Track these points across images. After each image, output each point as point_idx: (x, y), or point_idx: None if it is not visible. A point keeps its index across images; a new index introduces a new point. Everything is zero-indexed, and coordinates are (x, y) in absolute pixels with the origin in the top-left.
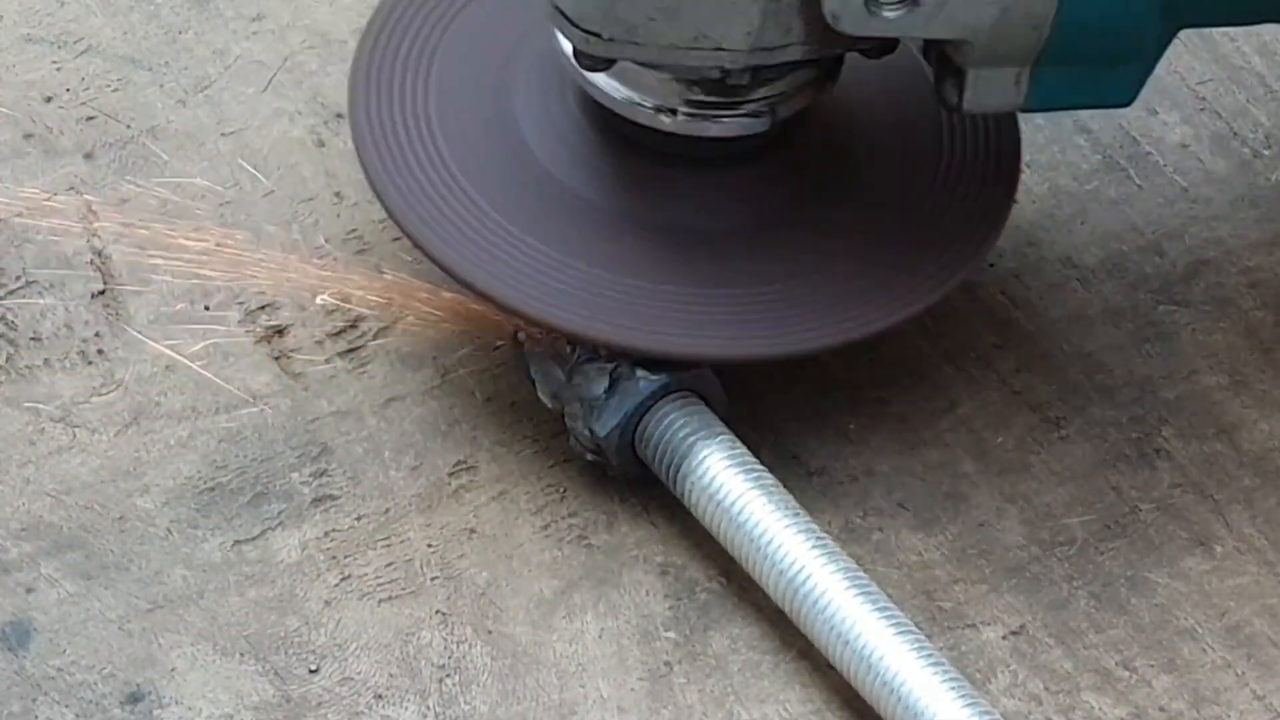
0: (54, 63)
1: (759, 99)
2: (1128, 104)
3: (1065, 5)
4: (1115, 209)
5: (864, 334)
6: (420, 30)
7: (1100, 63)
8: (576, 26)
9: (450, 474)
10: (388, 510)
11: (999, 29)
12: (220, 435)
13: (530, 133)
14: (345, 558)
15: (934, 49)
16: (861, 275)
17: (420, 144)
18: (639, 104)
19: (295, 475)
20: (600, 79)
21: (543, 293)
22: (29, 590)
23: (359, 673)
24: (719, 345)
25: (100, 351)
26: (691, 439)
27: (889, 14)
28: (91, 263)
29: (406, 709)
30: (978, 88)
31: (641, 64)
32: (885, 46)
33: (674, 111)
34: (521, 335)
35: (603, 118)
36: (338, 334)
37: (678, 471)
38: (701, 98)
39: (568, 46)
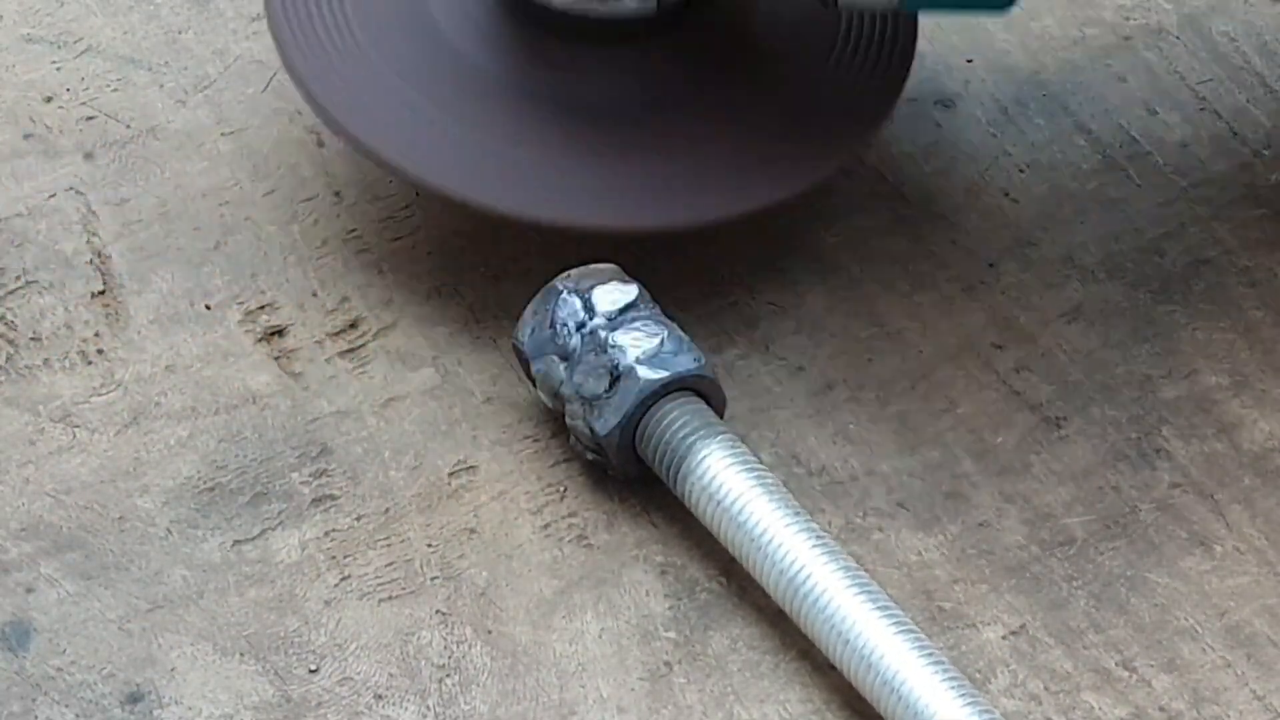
0: (54, 63)
1: None
2: (1004, 10)
3: None
4: (1115, 209)
5: (751, 207)
6: None
7: None
8: None
9: (450, 474)
10: (388, 510)
11: None
12: (220, 435)
13: (437, 5)
14: (345, 558)
15: None
16: (749, 151)
17: (329, 12)
18: None
19: (295, 475)
20: None
21: (441, 161)
22: (29, 590)
23: (359, 673)
24: (604, 215)
25: (100, 351)
26: (692, 438)
27: None
28: (91, 263)
29: (406, 709)
30: None
31: None
32: None
33: None
34: (520, 334)
35: None
36: (338, 334)
37: (678, 471)
38: None
39: None
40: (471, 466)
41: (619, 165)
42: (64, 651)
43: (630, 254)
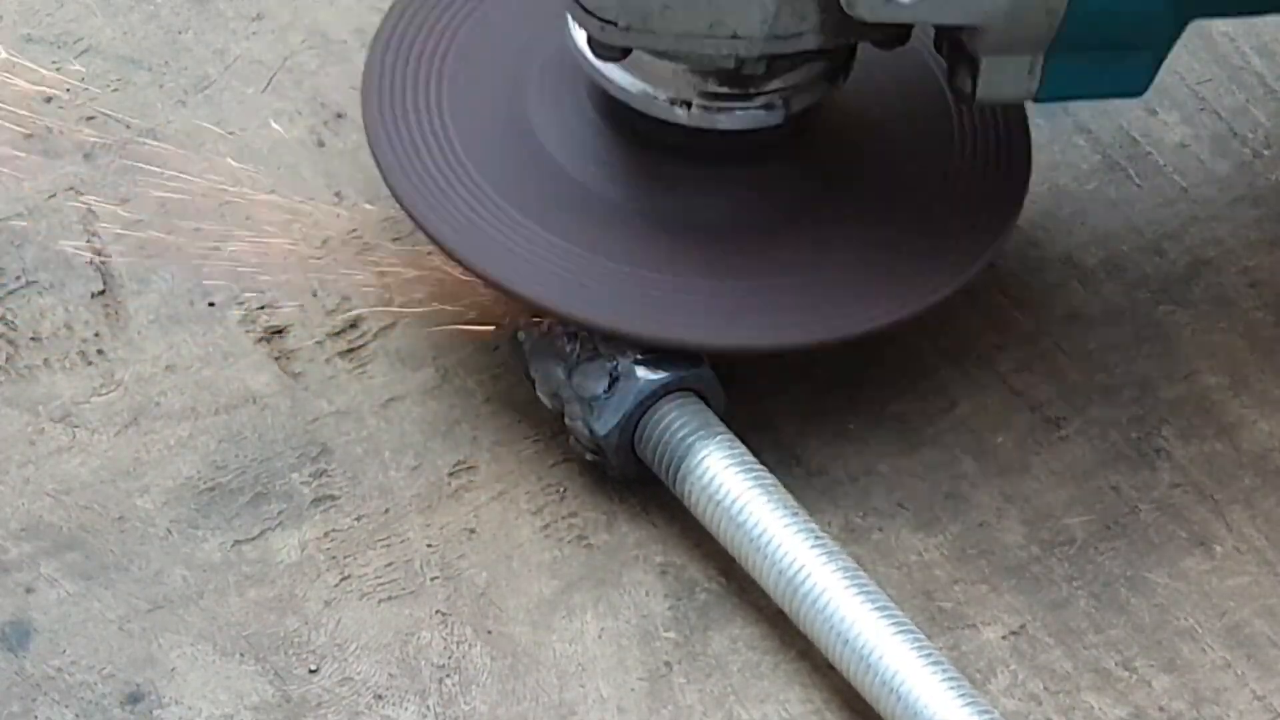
0: (54, 63)
1: (773, 90)
2: (1140, 94)
3: None
4: (1115, 209)
5: (869, 328)
6: (434, 26)
7: (1113, 51)
8: (592, 15)
9: (450, 474)
10: (388, 510)
11: (1014, 14)
12: (220, 435)
13: (543, 129)
14: (345, 558)
15: (946, 38)
16: (871, 271)
17: (434, 141)
18: (653, 96)
19: (295, 475)
20: (614, 72)
21: (559, 285)
22: (29, 590)
23: (359, 673)
24: (725, 335)
25: (100, 351)
26: (691, 439)
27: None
28: (91, 263)
29: (406, 709)
30: (991, 76)
31: (656, 53)
32: (898, 35)
33: (688, 104)
34: (521, 333)
35: (616, 113)
36: (338, 334)
37: (677, 471)
38: (716, 89)
39: (581, 37)
40: (471, 467)
41: (742, 284)
42: (64, 651)
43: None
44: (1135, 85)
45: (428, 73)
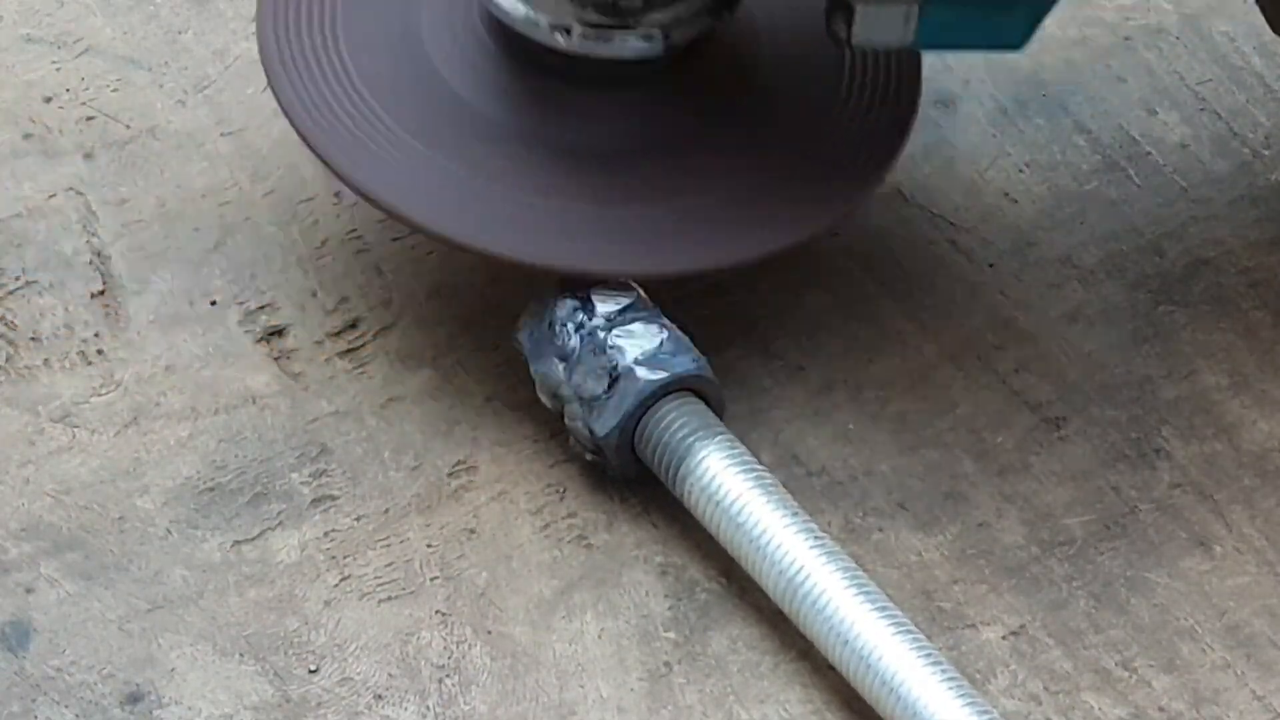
0: (54, 63)
1: (653, 22)
2: (1017, 47)
3: None
4: (1115, 209)
5: (754, 255)
6: None
7: (990, 4)
8: None
9: (450, 474)
10: (387, 510)
11: None
12: (220, 435)
13: (434, 49)
14: (345, 558)
15: None
16: (753, 198)
17: (328, 60)
18: (534, 21)
19: (295, 475)
20: None
21: (443, 206)
22: (29, 590)
23: (359, 673)
24: (606, 261)
25: (100, 351)
26: (691, 439)
27: None
28: (91, 263)
29: (406, 709)
30: (866, 22)
31: None
32: None
33: (569, 30)
34: (520, 334)
35: (505, 36)
36: (338, 334)
37: (677, 472)
38: (596, 19)
39: None
40: (471, 467)
41: (622, 210)
42: (64, 652)
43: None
44: (1013, 38)
45: None
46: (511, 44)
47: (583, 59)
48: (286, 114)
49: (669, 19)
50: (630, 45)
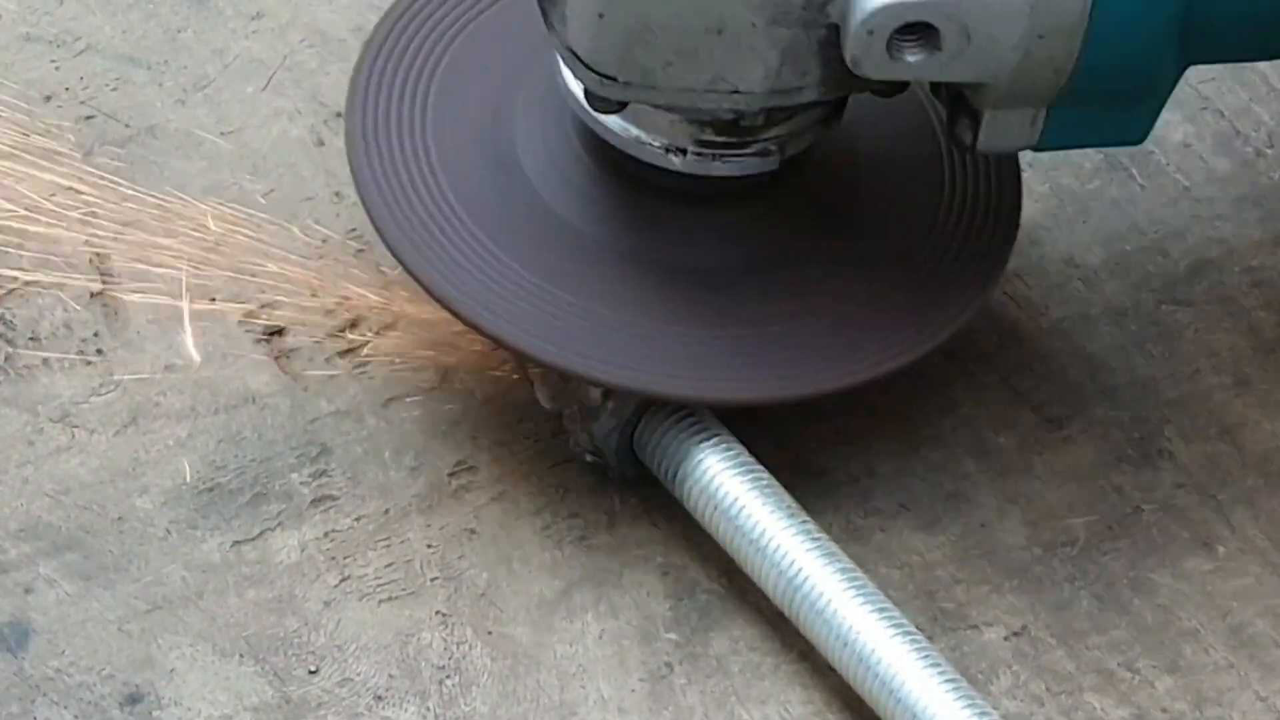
0: (53, 62)
1: (770, 138)
2: (1139, 142)
3: (1088, 48)
4: (1117, 208)
5: (867, 378)
6: (421, 48)
7: (1116, 103)
8: (591, 70)
9: (450, 474)
10: (387, 511)
11: (1021, 72)
12: (220, 435)
13: (531, 167)
14: (345, 558)
15: (947, 89)
16: (864, 317)
17: (420, 178)
18: (647, 143)
19: (295, 475)
20: (608, 118)
21: (548, 332)
22: (28, 591)
23: (359, 674)
24: (720, 387)
25: (99, 351)
26: (691, 440)
27: (910, 58)
28: (91, 263)
29: (406, 710)
30: (993, 128)
31: (655, 106)
32: (899, 85)
33: (684, 151)
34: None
35: (606, 154)
36: (338, 334)
37: (677, 473)
38: (713, 138)
39: (576, 86)
40: (471, 467)
41: (721, 332)
42: (63, 652)
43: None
44: (1136, 134)
45: (414, 94)
46: (611, 162)
47: (690, 178)
48: (381, 236)
49: (785, 133)
50: (747, 163)
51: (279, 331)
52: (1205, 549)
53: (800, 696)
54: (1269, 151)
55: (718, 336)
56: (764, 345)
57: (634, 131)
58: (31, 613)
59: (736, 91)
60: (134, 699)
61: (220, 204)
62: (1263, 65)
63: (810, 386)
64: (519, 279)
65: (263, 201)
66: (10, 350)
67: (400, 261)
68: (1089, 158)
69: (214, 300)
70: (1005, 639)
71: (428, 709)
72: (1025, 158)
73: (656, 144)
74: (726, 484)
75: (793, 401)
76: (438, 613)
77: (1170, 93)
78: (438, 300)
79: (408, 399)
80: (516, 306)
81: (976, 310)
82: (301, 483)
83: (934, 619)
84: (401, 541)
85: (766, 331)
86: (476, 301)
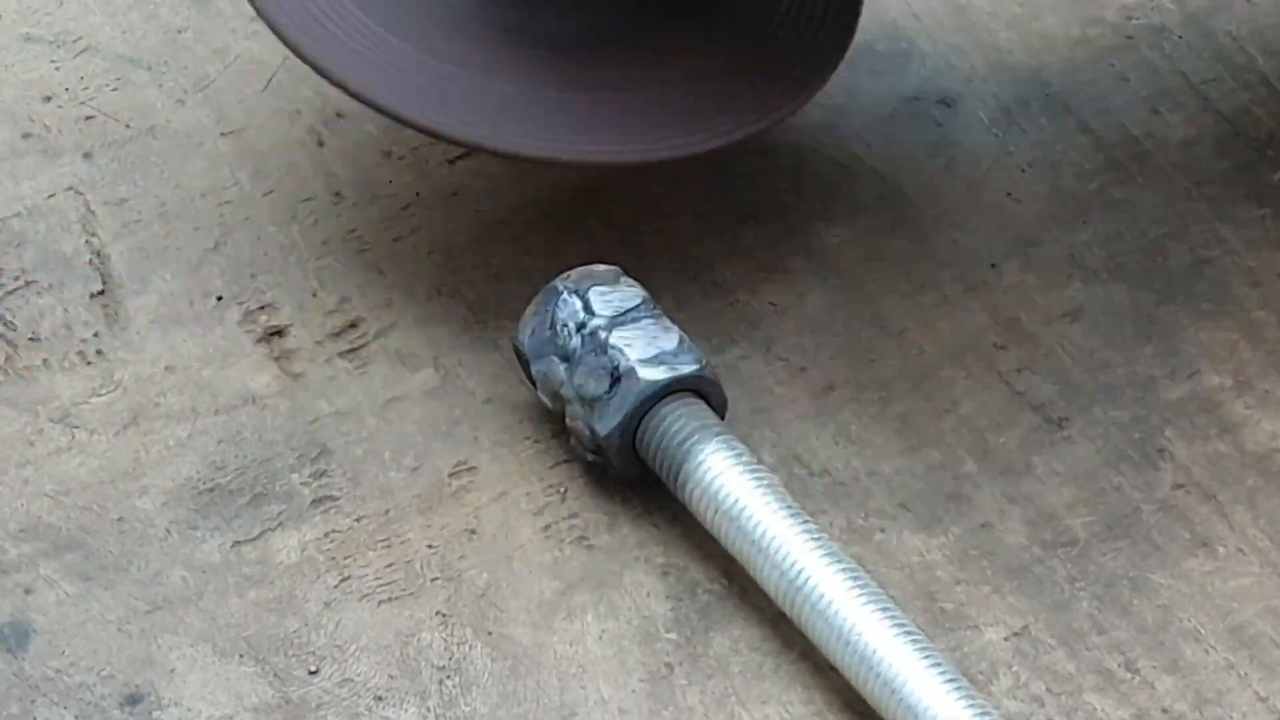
0: (53, 62)
1: None
2: None
3: None
4: (1118, 208)
5: (689, 150)
6: None
7: None
8: None
9: (450, 474)
10: (388, 511)
11: None
12: (220, 436)
13: None
14: (345, 559)
15: None
16: (712, 87)
17: None
18: None
19: (295, 476)
20: None
21: (396, 86)
22: (28, 591)
23: (359, 674)
24: (552, 145)
25: (99, 352)
26: (692, 440)
27: None
28: (91, 263)
29: (406, 711)
30: None
31: None
32: None
33: None
34: (520, 335)
35: None
36: (338, 334)
37: (678, 473)
38: None
39: None
40: (472, 467)
41: (576, 97)
42: (63, 653)
43: (630, 254)
44: None
45: None
46: None
47: None
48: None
49: None
50: None
51: (279, 331)
52: (1206, 549)
53: (801, 697)
54: (1269, 152)
55: (569, 100)
56: (596, 109)
57: None
58: (31, 613)
59: None
60: (134, 699)
61: (221, 204)
62: (1263, 65)
63: (650, 151)
64: (386, 43)
65: (263, 201)
66: (10, 350)
67: (265, 21)
68: (1089, 158)
69: (219, 297)
70: (1005, 639)
71: (428, 709)
72: (1025, 158)
73: None
74: (728, 484)
75: (635, 164)
76: (438, 613)
77: None
78: (302, 58)
79: (408, 399)
80: (385, 71)
81: (819, 88)
82: (302, 483)
83: (934, 619)
84: (402, 542)
85: (599, 97)
86: (334, 57)
